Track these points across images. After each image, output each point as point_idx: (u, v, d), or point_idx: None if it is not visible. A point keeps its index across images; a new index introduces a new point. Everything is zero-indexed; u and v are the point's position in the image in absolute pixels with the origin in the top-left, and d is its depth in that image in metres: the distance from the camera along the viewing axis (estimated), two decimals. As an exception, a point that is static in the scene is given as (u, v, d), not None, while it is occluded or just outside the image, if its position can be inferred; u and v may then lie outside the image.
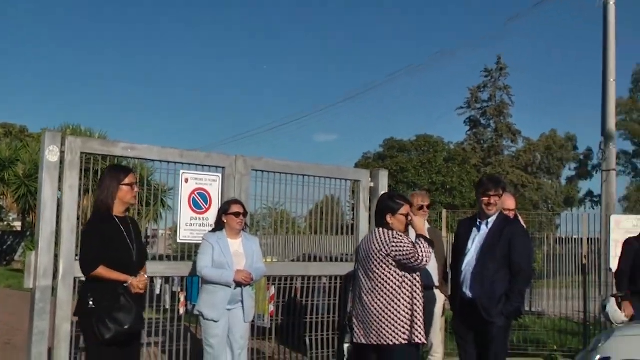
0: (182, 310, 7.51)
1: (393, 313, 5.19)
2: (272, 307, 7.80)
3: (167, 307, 7.26)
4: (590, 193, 55.47)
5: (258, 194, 7.11)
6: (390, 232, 5.32)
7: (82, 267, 4.77)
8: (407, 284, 5.26)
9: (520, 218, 6.87)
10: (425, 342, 5.48)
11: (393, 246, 5.22)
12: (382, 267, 5.26)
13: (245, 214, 6.18)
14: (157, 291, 7.44)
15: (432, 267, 6.73)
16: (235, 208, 6.11)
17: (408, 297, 5.24)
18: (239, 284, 5.95)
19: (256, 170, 7.02)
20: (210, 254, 5.97)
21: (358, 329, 5.38)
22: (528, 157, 52.12)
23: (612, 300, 7.37)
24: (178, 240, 6.64)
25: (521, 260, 5.77)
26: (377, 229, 5.45)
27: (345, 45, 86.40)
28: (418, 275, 5.35)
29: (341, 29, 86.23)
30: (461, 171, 36.91)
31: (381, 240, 5.28)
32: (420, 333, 5.23)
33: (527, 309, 12.27)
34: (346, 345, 5.63)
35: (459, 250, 6.10)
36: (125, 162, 6.47)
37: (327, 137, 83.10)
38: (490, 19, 78.35)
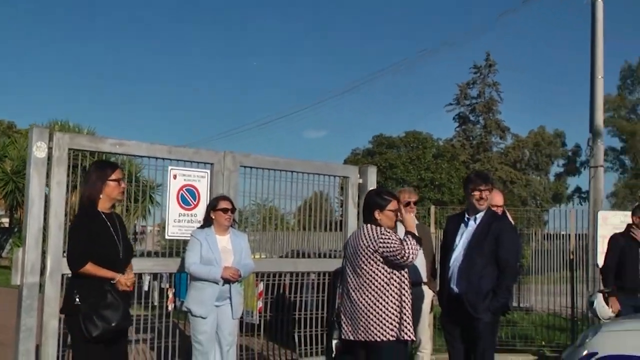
0: (170, 307, 7.51)
1: (381, 309, 5.19)
2: (260, 304, 7.79)
3: (156, 303, 7.24)
4: (578, 189, 55.74)
5: (246, 190, 7.12)
6: (378, 228, 5.32)
7: (70, 264, 4.71)
8: (395, 281, 5.26)
9: (508, 214, 6.89)
10: (415, 339, 5.48)
11: (380, 242, 5.22)
12: (370, 263, 5.26)
13: (233, 210, 6.18)
14: (146, 287, 7.42)
15: (420, 263, 6.75)
16: (224, 204, 6.10)
17: (396, 293, 5.24)
18: (226, 281, 5.95)
19: (245, 167, 7.02)
20: (198, 251, 5.96)
21: (346, 325, 5.38)
22: (517, 153, 52.25)
23: (599, 296, 7.41)
24: (166, 237, 6.63)
25: (508, 256, 5.79)
26: (365, 225, 5.45)
27: (335, 42, 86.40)
28: (406, 272, 5.35)
29: (331, 25, 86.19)
30: (450, 167, 36.91)
31: (369, 237, 5.28)
32: (409, 330, 5.23)
33: (515, 304, 12.31)
34: (334, 342, 5.63)
35: (447, 246, 6.11)
36: (114, 158, 6.45)
37: (316, 134, 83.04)
38: (479, 16, 78.43)
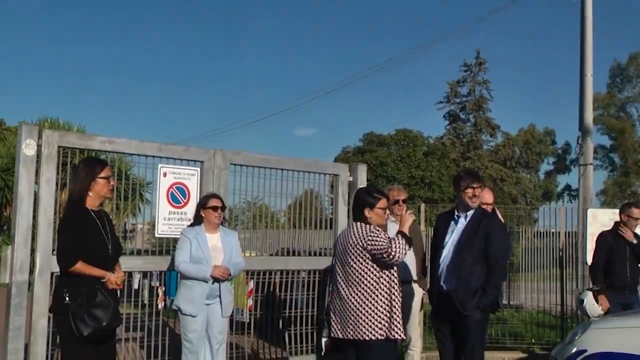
0: (160, 305, 7.48)
1: (371, 308, 5.19)
2: (250, 302, 7.77)
3: (146, 302, 7.22)
4: (568, 187, 55.86)
5: (237, 188, 7.10)
6: (367, 226, 5.32)
7: (60, 262, 4.66)
8: (384, 279, 5.26)
9: (497, 212, 6.91)
10: (404, 337, 5.49)
11: (369, 239, 5.22)
12: (359, 261, 5.26)
13: (223, 208, 6.17)
14: (135, 286, 7.40)
15: (410, 261, 6.76)
16: (214, 202, 6.09)
17: (386, 292, 5.24)
18: (216, 280, 5.94)
19: (235, 165, 7.01)
20: (188, 249, 5.95)
21: (335, 323, 5.38)
22: (507, 151, 52.33)
23: (589, 294, 7.43)
24: (156, 235, 6.61)
25: (497, 254, 5.80)
26: (354, 223, 5.45)
27: (326, 40, 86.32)
28: (395, 271, 5.36)
29: (322, 23, 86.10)
30: (440, 165, 36.95)
31: (358, 234, 5.28)
32: (399, 329, 5.23)
33: (505, 302, 12.35)
34: (324, 340, 5.63)
35: (438, 243, 6.12)
36: (104, 155, 6.42)
37: (307, 131, 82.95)
38: (470, 14, 78.57)
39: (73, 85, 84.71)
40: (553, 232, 11.52)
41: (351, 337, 5.23)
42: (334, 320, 5.41)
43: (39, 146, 5.78)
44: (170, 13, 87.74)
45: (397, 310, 5.26)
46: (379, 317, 5.18)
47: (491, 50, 79.72)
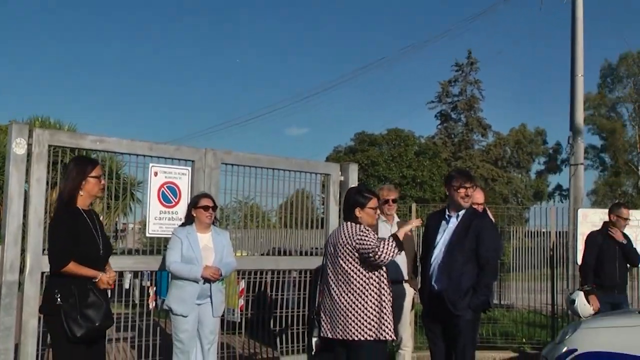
0: (151, 305, 7.47)
1: (360, 309, 5.18)
2: (242, 301, 7.77)
3: (136, 301, 7.21)
4: (559, 187, 56.05)
5: (228, 187, 7.09)
6: (357, 225, 5.31)
7: (52, 263, 4.62)
8: (374, 280, 5.25)
9: (488, 212, 6.92)
10: (394, 338, 5.48)
11: (357, 239, 5.21)
12: (349, 261, 5.25)
13: (214, 207, 6.15)
14: (126, 285, 7.38)
15: (402, 261, 6.77)
16: (205, 202, 6.08)
17: (376, 292, 5.24)
18: (207, 280, 5.93)
19: (226, 164, 7.00)
20: (179, 249, 5.94)
21: (325, 323, 5.38)
22: (498, 151, 52.43)
23: (581, 294, 7.42)
24: (147, 234, 6.59)
25: (488, 254, 5.81)
26: (345, 223, 5.45)
27: (318, 39, 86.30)
28: (385, 272, 5.35)
29: (313, 22, 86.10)
30: (432, 165, 36.97)
31: (348, 234, 5.28)
32: (389, 329, 5.23)
33: (496, 302, 12.39)
34: (314, 339, 5.63)
35: (429, 243, 6.12)
36: (95, 155, 6.40)
37: (298, 131, 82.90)
38: (461, 13, 78.73)
39: (65, 85, 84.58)
40: (544, 232, 11.55)
41: (340, 337, 5.23)
42: (324, 320, 5.40)
43: (29, 145, 5.75)
44: (165, 13, 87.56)
45: (387, 310, 5.25)
46: (369, 317, 5.17)
47: (482, 50, 79.95)
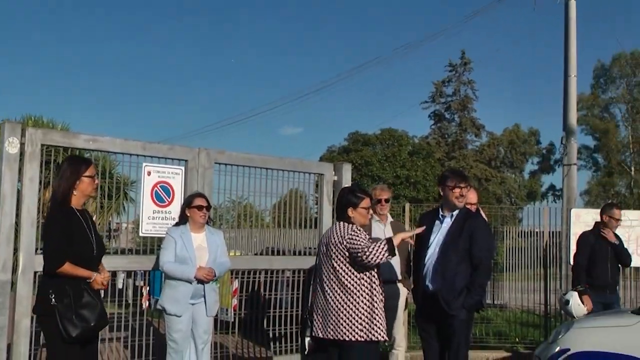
0: (144, 305, 7.45)
1: (351, 309, 5.17)
2: (235, 301, 7.77)
3: (130, 301, 7.20)
4: (552, 187, 56.18)
5: (221, 187, 7.09)
6: (349, 225, 5.30)
7: (48, 264, 4.57)
8: (365, 280, 5.23)
9: (481, 212, 6.93)
10: (386, 338, 5.47)
11: (348, 239, 5.20)
12: (340, 260, 5.24)
13: (208, 207, 6.15)
14: (119, 285, 7.37)
15: (395, 261, 6.76)
16: (199, 201, 6.07)
17: (367, 293, 5.22)
18: (200, 281, 5.93)
19: (219, 164, 6.99)
20: (173, 249, 5.93)
21: (317, 323, 5.37)
22: (491, 151, 52.54)
23: (575, 294, 7.42)
24: (140, 234, 6.58)
25: (482, 254, 5.80)
26: (337, 223, 5.44)
27: (312, 39, 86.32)
28: (377, 272, 5.34)
29: (307, 22, 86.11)
30: (425, 165, 37.02)
31: (340, 234, 5.27)
32: (380, 330, 5.21)
33: (489, 301, 12.41)
34: (307, 339, 5.62)
35: (422, 243, 6.12)
36: (88, 154, 6.39)
37: (292, 131, 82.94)
38: (455, 13, 78.81)
39: (59, 84, 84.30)
40: (537, 232, 11.58)
41: (331, 337, 5.22)
42: (316, 320, 5.39)
43: (22, 144, 5.74)
44: (160, 12, 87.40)
45: (379, 311, 5.23)
46: (360, 318, 5.16)
47: (477, 51, 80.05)
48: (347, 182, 7.61)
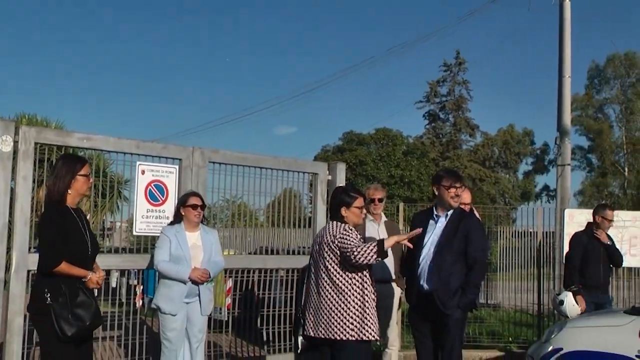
0: (138, 304, 7.45)
1: (343, 308, 5.17)
2: (229, 300, 7.77)
3: (123, 300, 7.19)
4: (546, 187, 56.28)
5: (215, 186, 7.08)
6: (342, 225, 5.30)
7: (44, 263, 4.54)
8: (357, 280, 5.22)
9: (475, 212, 6.94)
10: (378, 338, 5.46)
11: (339, 238, 5.19)
12: (332, 260, 5.24)
13: (203, 206, 6.14)
14: (113, 284, 7.37)
15: (389, 261, 6.77)
16: (193, 200, 6.07)
17: (359, 293, 5.22)
18: (194, 282, 5.92)
19: (213, 163, 6.99)
20: (168, 248, 5.92)
21: (309, 322, 5.37)
22: (486, 151, 52.63)
23: (569, 294, 7.44)
24: (134, 233, 6.57)
25: (477, 254, 5.81)
26: (330, 222, 5.44)
27: (307, 38, 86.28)
28: (369, 272, 5.33)
29: (302, 22, 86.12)
30: (420, 165, 37.10)
31: (332, 233, 5.27)
32: (372, 330, 5.21)
33: (482, 301, 12.43)
34: (300, 338, 5.62)
35: (416, 243, 6.11)
36: (82, 152, 6.38)
37: (286, 130, 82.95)
38: (450, 13, 78.90)
39: (53, 83, 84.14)
40: (531, 232, 11.60)
41: (323, 336, 5.22)
42: (308, 319, 5.39)
43: (15, 142, 5.73)
44: (160, 12, 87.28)
45: (370, 311, 5.23)
46: (351, 317, 5.16)
47: (471, 50, 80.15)
48: (341, 181, 7.61)
